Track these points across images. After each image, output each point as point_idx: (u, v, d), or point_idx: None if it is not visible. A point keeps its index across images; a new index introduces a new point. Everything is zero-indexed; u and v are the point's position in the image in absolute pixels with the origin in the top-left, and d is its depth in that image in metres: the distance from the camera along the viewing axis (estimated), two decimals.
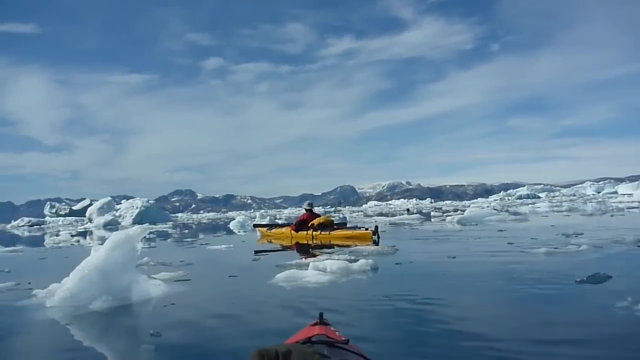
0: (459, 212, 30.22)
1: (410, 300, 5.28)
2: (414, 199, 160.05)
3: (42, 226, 78.44)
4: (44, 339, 4.76)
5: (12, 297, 6.65)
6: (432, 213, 32.52)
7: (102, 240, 22.82)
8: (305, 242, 14.04)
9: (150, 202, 56.72)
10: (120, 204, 58.15)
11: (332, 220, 15.24)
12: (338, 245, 11.95)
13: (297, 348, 1.83)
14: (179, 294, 6.18)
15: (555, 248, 8.54)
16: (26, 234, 41.29)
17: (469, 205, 53.09)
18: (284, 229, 16.17)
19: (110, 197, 58.21)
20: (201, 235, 22.65)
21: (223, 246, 13.29)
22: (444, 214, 29.88)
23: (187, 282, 7.17)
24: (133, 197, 58.13)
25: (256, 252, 12.23)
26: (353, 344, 2.43)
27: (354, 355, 2.24)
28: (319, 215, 15.40)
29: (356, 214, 47.30)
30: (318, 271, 7.17)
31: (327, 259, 7.84)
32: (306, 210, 15.81)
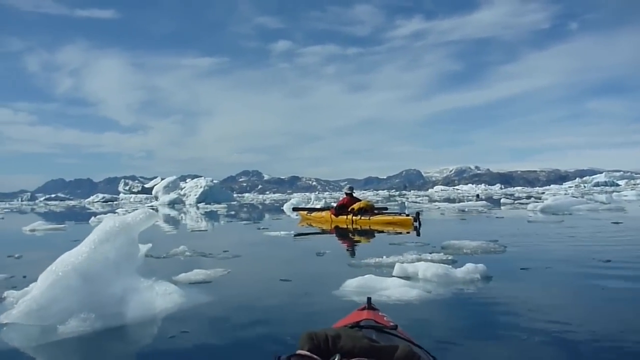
0: (533, 199, 27.99)
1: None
2: (483, 184, 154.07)
3: (115, 202, 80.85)
4: None
5: None
6: (502, 200, 29.34)
7: (166, 218, 21.93)
8: (345, 226, 13.65)
9: (214, 181, 56.25)
10: (187, 182, 58.24)
11: (373, 205, 14.93)
12: (378, 231, 11.79)
13: (346, 332, 1.83)
14: (196, 312, 4.10)
15: None
16: (99, 209, 41.50)
17: (543, 192, 49.09)
18: (323, 213, 15.95)
19: (181, 175, 58.63)
20: (261, 218, 20.95)
21: (282, 232, 11.17)
22: (516, 201, 27.55)
23: (215, 289, 5.05)
24: (203, 177, 58.02)
25: (296, 235, 11.26)
26: (402, 330, 2.33)
27: (403, 340, 2.10)
28: (359, 200, 15.10)
29: (421, 198, 44.32)
30: (405, 279, 4.95)
31: (418, 259, 5.60)
32: (346, 194, 15.46)
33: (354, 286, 4.73)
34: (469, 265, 5.15)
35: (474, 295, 4.60)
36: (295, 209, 19.46)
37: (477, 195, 47.70)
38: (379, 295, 4.48)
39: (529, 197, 34.59)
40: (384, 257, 6.17)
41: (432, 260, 5.63)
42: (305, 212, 17.30)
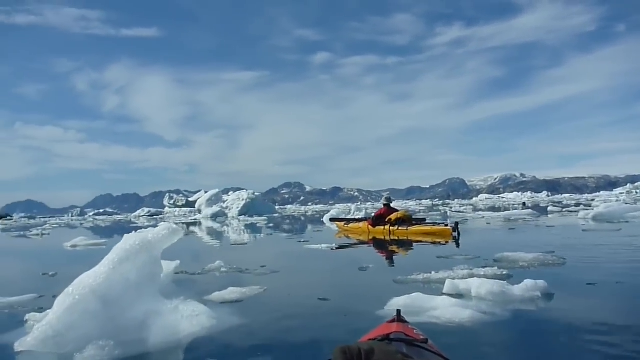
0: (582, 206, 26.90)
1: None
2: (529, 192, 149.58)
3: (160, 216, 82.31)
4: None
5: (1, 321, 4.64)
6: (550, 208, 27.97)
7: (208, 231, 21.93)
8: (383, 237, 13.36)
9: (256, 194, 56.49)
10: (229, 195, 58.67)
11: (410, 215, 14.71)
12: (416, 242, 11.50)
13: (380, 347, 1.80)
14: (225, 336, 3.71)
15: None
16: (145, 223, 42.06)
17: (593, 199, 46.95)
18: (361, 224, 15.69)
19: (224, 188, 59.13)
20: (302, 230, 20.62)
21: (323, 245, 10.63)
22: (564, 209, 26.42)
23: (248, 309, 4.68)
24: (245, 189, 58.33)
25: (337, 247, 10.79)
26: (432, 343, 2.27)
27: (434, 355, 2.09)
28: (396, 210, 14.73)
29: (465, 207, 42.98)
30: (456, 298, 4.46)
31: (470, 274, 5.08)
32: (384, 205, 15.16)
33: (400, 305, 4.22)
34: (528, 282, 4.60)
35: (535, 316, 4.07)
36: (332, 220, 19.34)
37: (524, 204, 46.09)
38: (428, 316, 4.02)
39: (577, 205, 33.08)
40: (432, 272, 5.63)
41: (485, 276, 5.10)
42: (343, 223, 17.14)
